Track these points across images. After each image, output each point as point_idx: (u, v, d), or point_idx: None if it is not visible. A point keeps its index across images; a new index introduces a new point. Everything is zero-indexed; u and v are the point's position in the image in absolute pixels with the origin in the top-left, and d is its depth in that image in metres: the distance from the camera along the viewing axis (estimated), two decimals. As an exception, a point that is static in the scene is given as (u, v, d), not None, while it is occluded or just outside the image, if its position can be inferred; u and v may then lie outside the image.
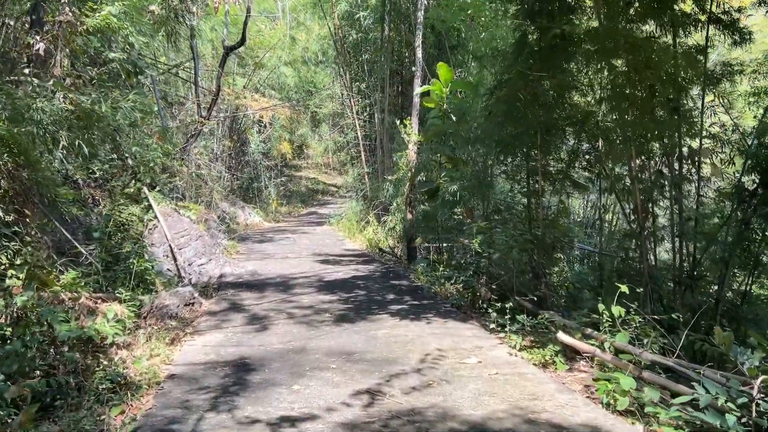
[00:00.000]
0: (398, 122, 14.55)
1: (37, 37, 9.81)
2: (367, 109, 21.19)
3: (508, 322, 6.32)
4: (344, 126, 25.86)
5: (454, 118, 12.82)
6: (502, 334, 6.36)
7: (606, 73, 7.17)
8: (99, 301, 6.11)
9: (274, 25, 28.07)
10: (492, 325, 6.55)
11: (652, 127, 6.99)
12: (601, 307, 5.49)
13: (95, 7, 10.47)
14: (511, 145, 9.40)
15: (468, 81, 13.41)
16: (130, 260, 7.84)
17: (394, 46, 18.81)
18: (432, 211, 12.18)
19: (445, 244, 12.76)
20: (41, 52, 9.91)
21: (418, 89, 14.23)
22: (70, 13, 10.34)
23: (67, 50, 10.31)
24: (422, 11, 14.31)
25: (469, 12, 12.32)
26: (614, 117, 7.02)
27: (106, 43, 12.45)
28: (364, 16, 18.78)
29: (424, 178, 13.57)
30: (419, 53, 14.44)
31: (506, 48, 9.90)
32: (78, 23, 10.55)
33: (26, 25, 10.33)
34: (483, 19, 14.04)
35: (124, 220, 9.54)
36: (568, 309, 6.88)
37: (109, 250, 7.95)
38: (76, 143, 10.69)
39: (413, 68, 14.69)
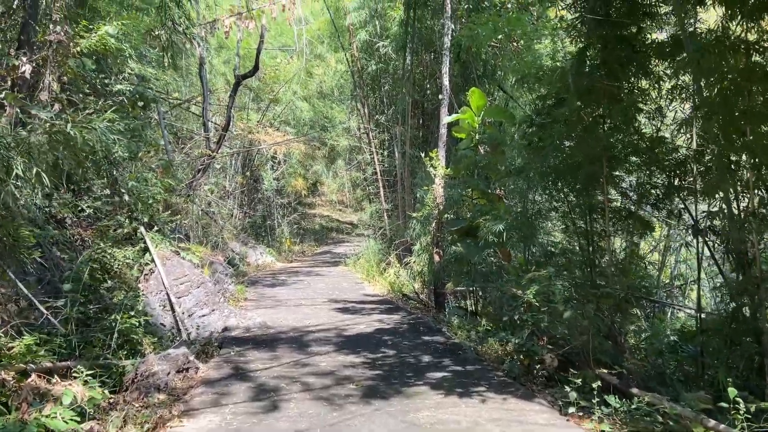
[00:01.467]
0: (423, 155, 13.25)
1: (24, 59, 8.66)
2: (386, 143, 20.01)
3: (596, 404, 4.81)
4: (361, 161, 24.69)
5: (487, 150, 11.52)
6: (589, 425, 4.82)
7: (706, 84, 5.79)
8: (55, 379, 4.71)
9: (291, 58, 27.24)
10: (571, 409, 5.03)
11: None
12: (732, 392, 4.00)
13: (91, 26, 9.38)
14: (565, 178, 8.03)
15: (504, 108, 12.11)
16: (112, 316, 6.45)
17: (416, 76, 17.70)
18: (465, 253, 10.73)
19: (480, 292, 11.28)
20: (27, 74, 8.76)
21: (445, 119, 12.98)
22: (62, 33, 9.21)
23: (57, 74, 9.19)
24: (449, 35, 13.17)
25: (505, 31, 11.09)
26: (716, 139, 5.62)
27: (107, 68, 11.40)
28: (384, 46, 17.75)
29: (453, 216, 12.19)
30: (446, 81, 13.24)
31: (556, 67, 8.60)
32: (71, 44, 9.43)
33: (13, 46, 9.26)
34: (519, 42, 12.84)
35: (112, 265, 8.21)
36: (663, 384, 5.37)
37: (87, 303, 6.58)
38: (63, 176, 9.52)
39: (439, 96, 13.47)
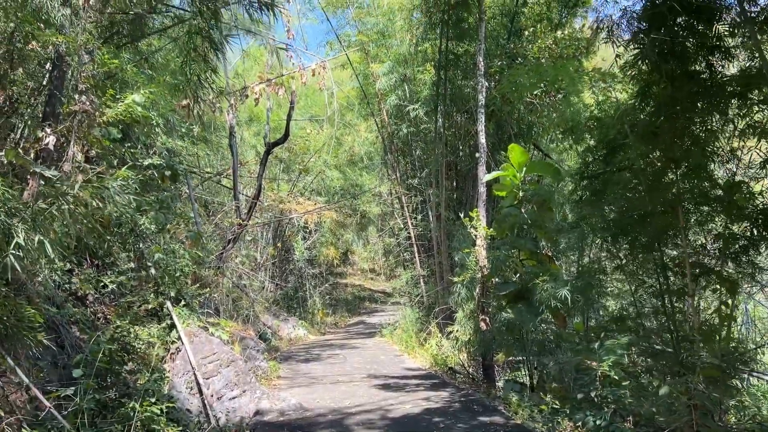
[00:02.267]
0: (461, 215, 12.53)
1: (48, 130, 8.36)
2: (419, 207, 19.40)
3: None
4: (394, 227, 24.06)
5: (533, 207, 10.78)
6: None
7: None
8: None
9: (320, 128, 27.33)
10: None
11: None
12: None
13: (118, 96, 9.15)
14: (629, 232, 7.21)
15: (548, 163, 11.42)
16: (131, 404, 5.69)
17: (448, 137, 17.26)
18: (516, 320, 9.79)
19: (536, 364, 10.23)
20: (51, 146, 8.42)
21: (484, 176, 12.33)
22: (88, 103, 8.95)
23: (82, 144, 8.87)
24: (483, 92, 12.72)
25: (547, 79, 10.56)
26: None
27: (135, 140, 11.15)
28: (414, 109, 17.45)
29: (499, 279, 11.32)
30: (482, 138, 12.68)
31: (609, 114, 7.96)
32: (96, 113, 9.17)
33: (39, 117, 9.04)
34: (558, 95, 12.33)
35: (134, 345, 7.53)
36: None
37: (104, 390, 5.85)
38: (86, 252, 9.02)
39: (476, 155, 12.88)
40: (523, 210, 10.82)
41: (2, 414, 4.32)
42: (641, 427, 5.35)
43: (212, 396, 8.34)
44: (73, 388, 5.09)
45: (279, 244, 26.56)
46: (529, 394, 8.72)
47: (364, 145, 26.85)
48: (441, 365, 12.44)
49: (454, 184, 18.29)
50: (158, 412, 5.89)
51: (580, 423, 5.61)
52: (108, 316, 8.51)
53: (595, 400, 5.71)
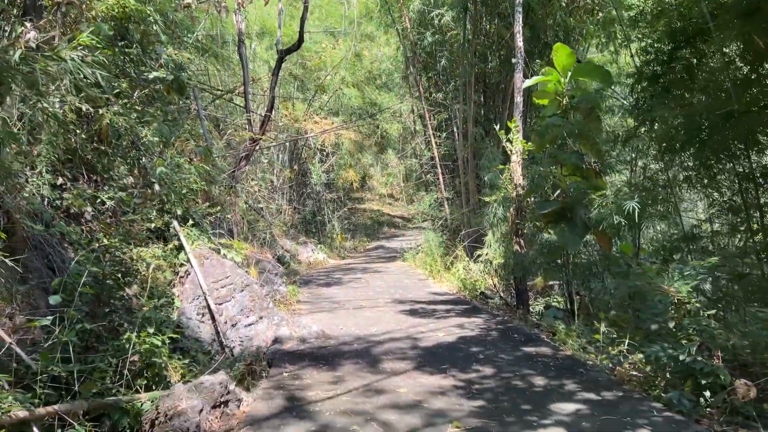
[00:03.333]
0: (496, 128, 11.34)
1: (28, 25, 7.20)
2: (444, 124, 18.12)
3: None
4: (415, 147, 22.88)
5: (579, 117, 9.57)
6: None
7: None
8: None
9: (337, 42, 25.68)
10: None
11: None
12: None
13: (111, -14, 7.95)
14: (706, 138, 6.07)
15: (598, 65, 10.05)
16: (125, 335, 4.88)
17: (477, 46, 15.77)
18: (559, 241, 8.83)
19: (577, 290, 9.35)
20: (32, 42, 7.29)
21: (521, 83, 11.03)
22: (74, -6, 7.78)
23: (66, 40, 7.71)
24: (521, -11, 11.19)
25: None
26: None
27: (137, 50, 9.96)
28: (440, 14, 15.87)
29: (536, 198, 10.30)
30: (519, 41, 11.26)
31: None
32: (83, 5, 8.00)
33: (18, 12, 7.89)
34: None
35: (136, 267, 6.71)
36: None
37: (93, 318, 5.04)
38: (79, 165, 8.09)
39: (513, 60, 11.53)
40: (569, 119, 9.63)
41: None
42: (727, 362, 4.45)
43: (226, 323, 7.61)
44: (50, 318, 4.24)
45: (296, 167, 25.63)
46: (570, 322, 7.87)
47: (384, 61, 25.27)
48: (470, 290, 11.64)
49: (482, 98, 16.96)
50: (159, 342, 5.08)
51: (652, 357, 4.72)
52: (107, 236, 7.68)
53: (674, 331, 4.81)
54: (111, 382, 4.68)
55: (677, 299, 4.98)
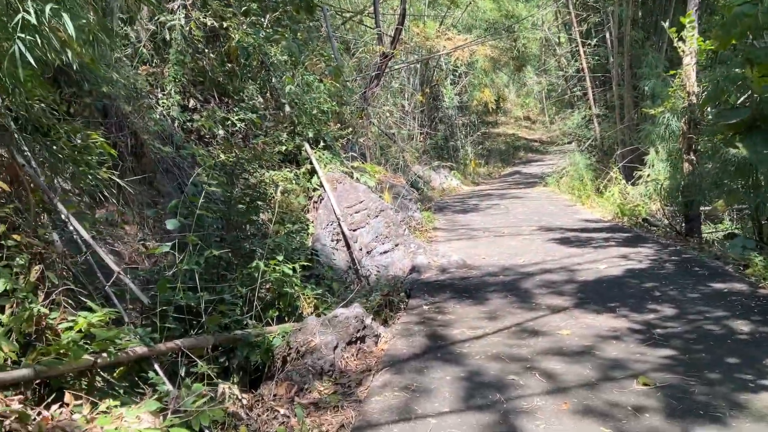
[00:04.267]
0: (665, 25, 9.51)
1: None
2: (594, 31, 16.04)
3: None
4: (559, 60, 20.82)
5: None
6: None
7: None
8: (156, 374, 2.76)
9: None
10: None
11: None
12: None
13: None
14: None
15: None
16: (254, 263, 4.47)
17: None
18: (750, 156, 7.24)
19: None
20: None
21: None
22: None
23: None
24: None
25: None
26: None
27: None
28: None
29: (720, 107, 8.58)
30: None
31: None
32: None
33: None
34: None
35: (266, 191, 6.34)
36: None
37: (222, 245, 4.67)
38: (210, 88, 7.80)
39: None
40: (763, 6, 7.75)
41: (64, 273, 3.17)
42: None
43: (360, 250, 7.15)
44: (169, 244, 3.87)
45: (427, 91, 24.64)
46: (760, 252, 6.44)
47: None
48: (629, 216, 10.28)
49: (639, 0, 14.65)
50: (290, 271, 4.63)
51: None
52: (240, 159, 7.41)
53: None
54: (241, 314, 4.31)
55: None
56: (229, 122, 7.40)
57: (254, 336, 4.08)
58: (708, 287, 5.58)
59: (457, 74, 25.73)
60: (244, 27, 8.12)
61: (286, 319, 4.65)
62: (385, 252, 7.25)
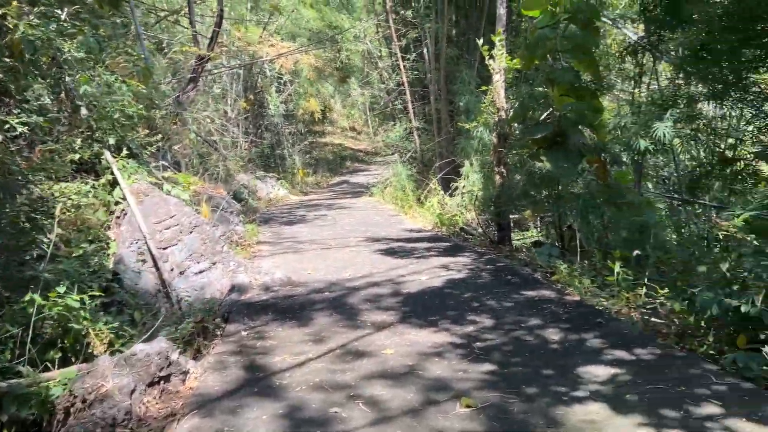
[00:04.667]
0: (479, 42, 10.06)
1: None
2: (413, 46, 16.65)
3: None
4: (381, 72, 21.37)
5: (574, 29, 8.43)
6: None
7: None
8: None
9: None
10: None
11: None
12: None
13: None
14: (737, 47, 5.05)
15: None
16: (26, 296, 3.69)
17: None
18: (552, 169, 7.84)
19: (569, 224, 8.44)
20: None
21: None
22: None
23: None
24: None
25: None
26: None
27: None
28: None
29: (525, 122, 9.23)
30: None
31: None
32: None
33: None
34: None
35: (51, 206, 5.44)
36: None
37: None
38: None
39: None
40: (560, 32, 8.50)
41: None
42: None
43: (172, 270, 6.45)
44: None
45: (251, 97, 23.91)
46: (573, 260, 6.98)
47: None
48: (448, 226, 10.69)
49: (454, 18, 15.53)
50: (76, 303, 3.91)
51: (699, 306, 3.81)
52: (23, 170, 6.31)
53: (727, 275, 3.90)
54: (11, 359, 3.52)
55: (726, 236, 4.06)
56: (8, 126, 6.25)
57: (25, 386, 3.33)
58: (521, 295, 5.84)
59: (282, 82, 25.36)
60: (31, 17, 6.98)
61: (73, 360, 3.91)
62: (201, 272, 6.63)
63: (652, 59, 7.61)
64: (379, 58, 22.36)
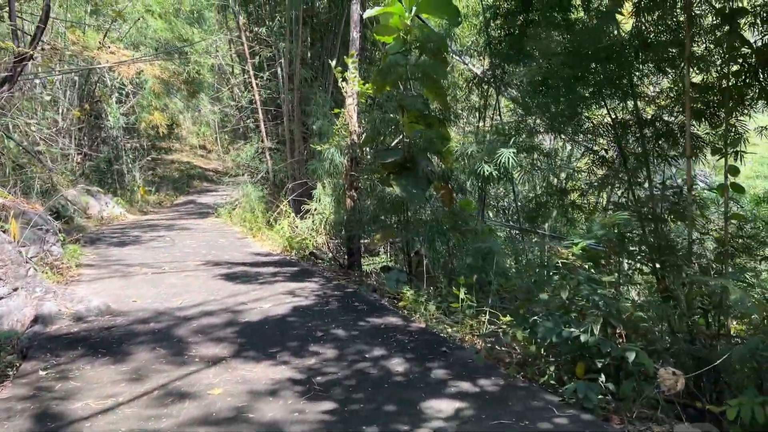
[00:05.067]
0: (332, 63, 9.89)
1: None
2: (267, 65, 16.16)
3: None
4: (233, 89, 20.57)
5: (423, 58, 8.58)
6: None
7: None
8: None
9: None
10: None
11: None
12: None
13: None
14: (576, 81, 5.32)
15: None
16: None
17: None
18: (402, 195, 7.80)
19: (417, 249, 8.44)
20: None
21: (358, 15, 9.76)
22: None
23: None
24: None
25: None
26: None
27: None
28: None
29: (378, 147, 9.17)
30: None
31: None
32: None
33: None
34: None
35: None
36: None
37: None
38: None
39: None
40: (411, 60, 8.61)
41: None
42: (637, 342, 3.68)
43: (-44, 299, 5.34)
44: None
45: (87, 106, 21.83)
46: (420, 286, 6.91)
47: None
48: (297, 250, 10.27)
49: (312, 36, 15.37)
50: None
51: (541, 336, 3.78)
52: None
53: (566, 303, 3.92)
54: None
55: (567, 263, 4.12)
56: None
57: None
58: (367, 323, 5.59)
59: (125, 93, 23.55)
60: None
61: None
62: (-2, 299, 5.57)
63: (495, 93, 7.90)
64: (231, 74, 21.55)
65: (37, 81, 20.33)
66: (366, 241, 10.77)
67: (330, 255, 10.09)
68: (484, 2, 7.52)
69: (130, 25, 22.13)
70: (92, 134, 23.32)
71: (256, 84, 15.42)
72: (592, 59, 4.90)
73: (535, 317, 3.88)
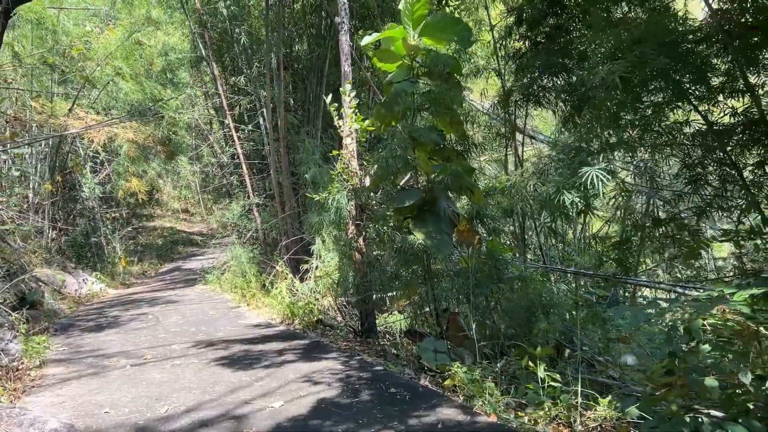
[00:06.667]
0: (327, 99, 8.68)
1: None
2: (248, 116, 15.04)
3: None
4: (213, 145, 19.41)
5: (433, 83, 7.48)
6: None
7: None
8: None
9: (111, 26, 21.05)
10: None
11: None
12: None
13: None
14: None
15: (456, 18, 7.93)
16: None
17: (285, 18, 13.16)
18: (425, 243, 6.49)
19: (447, 307, 7.08)
20: None
21: (348, 46, 8.71)
22: None
23: None
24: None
25: None
26: None
27: None
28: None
29: (389, 188, 7.93)
30: (344, -3, 8.88)
31: None
32: None
33: None
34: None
35: None
36: None
37: None
38: None
39: (336, 19, 9.03)
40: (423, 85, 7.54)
41: None
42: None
43: None
44: None
45: (59, 178, 20.54)
46: (466, 357, 5.55)
47: (170, 53, 21.27)
48: (301, 317, 8.84)
49: (292, 85, 14.34)
50: None
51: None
52: None
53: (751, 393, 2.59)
54: None
55: (716, 325, 2.83)
56: None
57: None
58: (417, 420, 4.20)
59: (99, 161, 22.36)
60: None
61: None
62: None
63: (524, 113, 6.76)
64: (209, 130, 20.44)
65: (4, 157, 19.15)
66: (376, 296, 9.44)
67: (340, 319, 8.69)
68: (508, 4, 6.44)
69: (99, 90, 21.11)
70: (67, 207, 22.06)
71: (238, 137, 14.26)
72: (683, 50, 3.76)
73: (697, 416, 2.55)
